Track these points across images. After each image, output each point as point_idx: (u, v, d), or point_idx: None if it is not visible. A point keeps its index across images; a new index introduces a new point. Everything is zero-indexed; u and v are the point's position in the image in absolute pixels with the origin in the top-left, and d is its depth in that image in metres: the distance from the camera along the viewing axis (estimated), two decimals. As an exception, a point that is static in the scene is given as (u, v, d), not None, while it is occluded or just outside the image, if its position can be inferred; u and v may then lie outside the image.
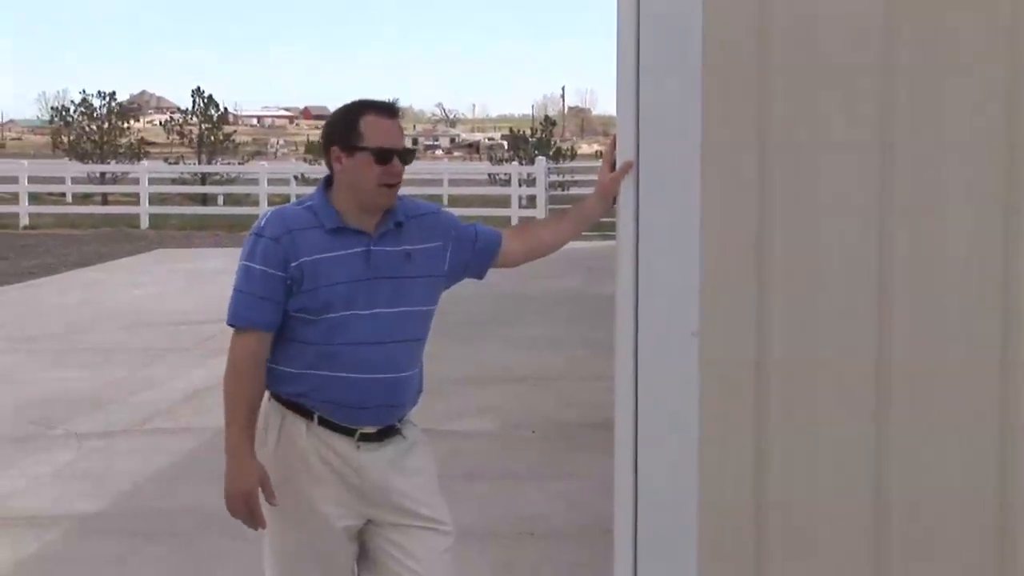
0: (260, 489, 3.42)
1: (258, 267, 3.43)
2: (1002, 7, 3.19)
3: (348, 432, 3.47)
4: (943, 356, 3.26)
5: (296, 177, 31.23)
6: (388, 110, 3.52)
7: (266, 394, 3.52)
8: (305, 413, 3.47)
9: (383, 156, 3.42)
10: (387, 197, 3.47)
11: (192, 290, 15.99)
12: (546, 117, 41.74)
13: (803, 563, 3.35)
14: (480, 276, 3.77)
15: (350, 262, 3.44)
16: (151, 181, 29.71)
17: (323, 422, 3.46)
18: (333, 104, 3.62)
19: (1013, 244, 3.22)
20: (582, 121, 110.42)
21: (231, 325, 3.47)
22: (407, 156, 3.49)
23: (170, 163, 35.40)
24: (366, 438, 3.49)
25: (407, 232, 3.55)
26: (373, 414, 3.48)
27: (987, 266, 3.24)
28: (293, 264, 3.40)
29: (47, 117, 47.02)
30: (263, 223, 3.49)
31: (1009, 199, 3.21)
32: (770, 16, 3.23)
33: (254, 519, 3.45)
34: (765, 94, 3.24)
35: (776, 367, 3.29)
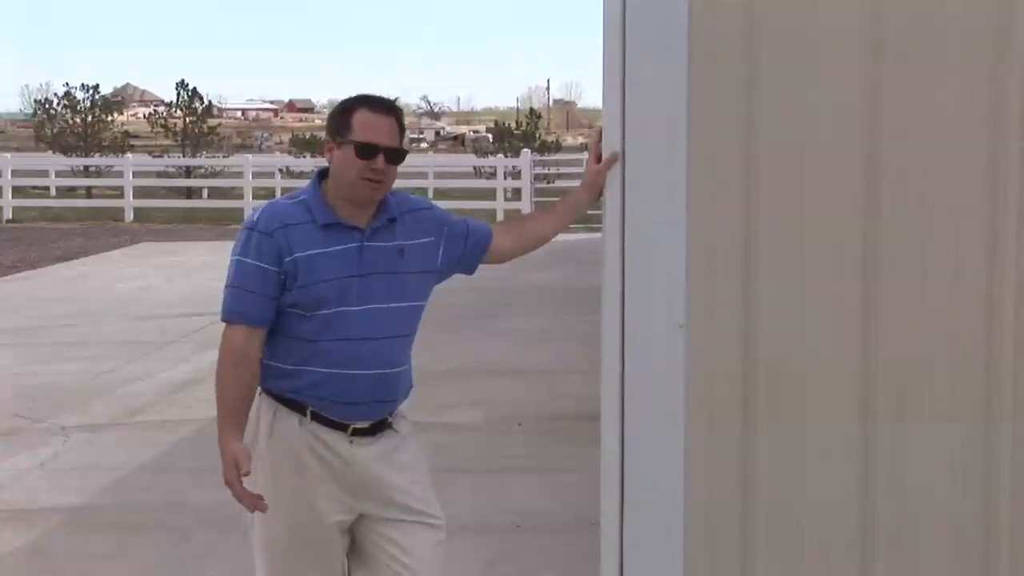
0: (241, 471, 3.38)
1: (251, 262, 3.43)
2: (990, 4, 3.20)
3: (341, 427, 3.48)
4: (928, 355, 3.27)
5: (281, 170, 31.13)
6: (384, 107, 3.52)
7: (258, 389, 3.53)
8: (298, 408, 3.47)
9: (365, 151, 3.42)
10: (368, 191, 3.47)
11: (177, 283, 15.97)
12: (531, 110, 41.62)
13: (789, 558, 3.36)
14: (471, 272, 3.79)
15: (343, 258, 3.44)
16: (135, 174, 29.60)
17: (316, 417, 3.47)
18: (317, 97, 3.61)
19: (999, 244, 3.23)
20: (567, 114, 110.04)
21: (224, 320, 3.48)
22: (394, 155, 3.47)
23: (154, 156, 35.25)
24: (359, 433, 3.50)
25: (400, 228, 3.55)
26: (366, 409, 3.49)
27: (971, 266, 3.24)
28: (287, 259, 3.40)
29: (30, 110, 46.71)
30: (256, 217, 3.50)
31: (994, 198, 3.22)
32: (757, 9, 3.24)
33: (243, 500, 3.42)
34: (752, 87, 3.24)
35: (763, 364, 3.30)
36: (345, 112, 3.50)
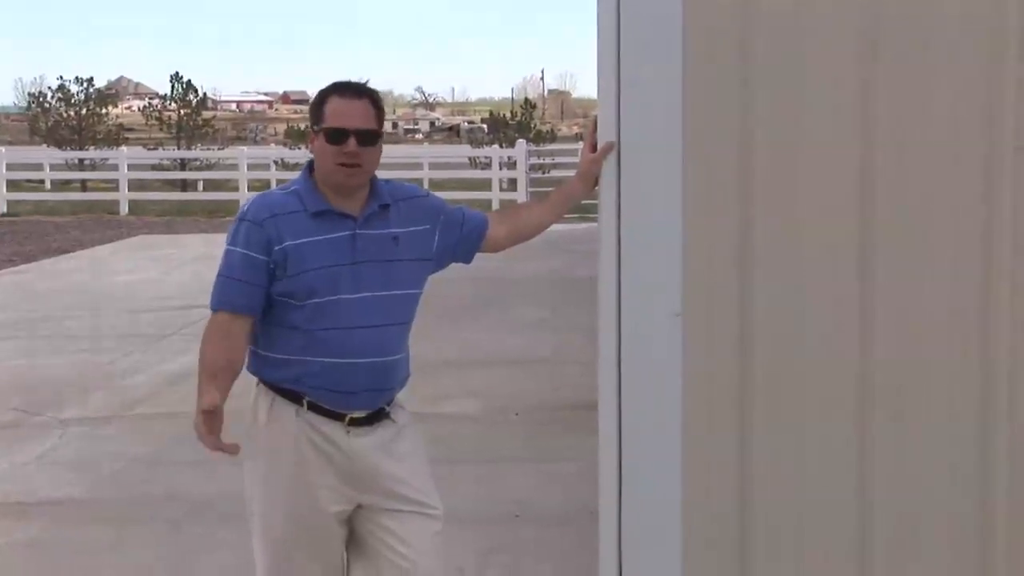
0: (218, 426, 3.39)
1: (240, 251, 3.45)
2: (984, 4, 3.20)
3: (338, 417, 3.48)
4: (925, 354, 3.27)
5: (276, 162, 31.09)
6: (352, 91, 3.53)
7: (255, 379, 3.54)
8: (294, 398, 3.48)
9: (335, 136, 3.45)
10: (343, 176, 3.47)
11: (174, 276, 15.96)
12: (526, 100, 41.58)
13: (788, 557, 3.35)
14: (467, 260, 3.80)
15: (335, 246, 3.45)
16: (130, 167, 29.57)
17: (313, 407, 3.47)
18: (312, 89, 3.64)
19: (994, 243, 3.23)
20: (562, 104, 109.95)
21: (213, 309, 3.49)
22: (366, 137, 3.48)
23: (149, 149, 35.23)
24: (356, 423, 3.50)
25: (394, 215, 3.56)
26: (363, 399, 3.50)
27: (968, 265, 3.24)
28: (276, 248, 3.42)
29: (24, 103, 46.65)
30: (247, 207, 3.52)
31: (989, 198, 3.22)
32: (752, 9, 3.23)
33: (211, 445, 3.41)
34: (747, 87, 3.24)
35: (760, 364, 3.29)
36: (319, 102, 3.53)
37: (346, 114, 3.48)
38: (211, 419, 3.39)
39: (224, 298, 3.47)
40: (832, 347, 3.29)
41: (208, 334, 3.47)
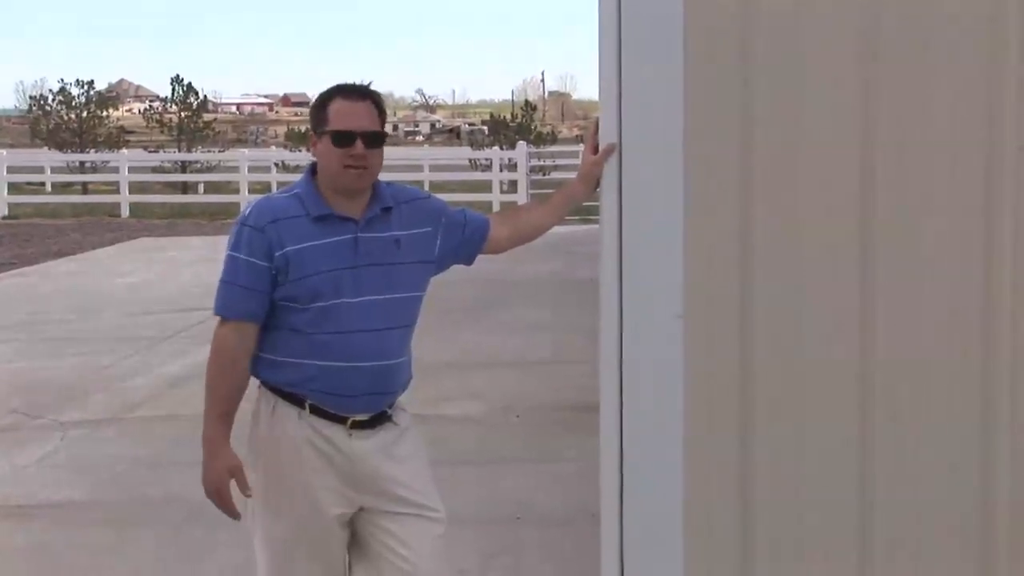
0: (235, 481, 3.45)
1: (243, 257, 3.44)
2: (985, 4, 3.20)
3: (340, 420, 3.48)
4: (926, 355, 3.27)
5: (276, 164, 31.12)
6: (356, 93, 3.53)
7: (256, 381, 3.54)
8: (296, 401, 3.48)
9: (342, 138, 3.44)
10: (353, 179, 3.47)
11: (175, 278, 15.95)
12: (526, 102, 41.65)
13: (788, 557, 3.34)
14: (469, 262, 3.79)
15: (337, 249, 3.45)
16: (131, 169, 29.61)
17: (315, 410, 3.47)
18: (313, 91, 3.64)
19: (995, 243, 3.22)
20: (562, 106, 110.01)
21: (216, 315, 3.49)
22: (373, 139, 3.48)
23: (150, 152, 35.29)
24: (358, 426, 3.50)
25: (396, 218, 3.56)
26: (364, 402, 3.49)
27: (968, 266, 3.23)
28: (278, 253, 3.41)
29: (25, 106, 46.75)
30: (248, 212, 3.51)
31: (990, 198, 3.21)
32: (753, 9, 3.22)
33: (228, 511, 3.48)
34: (747, 78, 3.24)
35: (760, 364, 3.29)
36: (321, 104, 3.52)
37: (352, 116, 3.47)
38: (226, 491, 3.44)
39: (229, 304, 3.46)
40: (832, 347, 3.29)
41: (216, 355, 3.46)
